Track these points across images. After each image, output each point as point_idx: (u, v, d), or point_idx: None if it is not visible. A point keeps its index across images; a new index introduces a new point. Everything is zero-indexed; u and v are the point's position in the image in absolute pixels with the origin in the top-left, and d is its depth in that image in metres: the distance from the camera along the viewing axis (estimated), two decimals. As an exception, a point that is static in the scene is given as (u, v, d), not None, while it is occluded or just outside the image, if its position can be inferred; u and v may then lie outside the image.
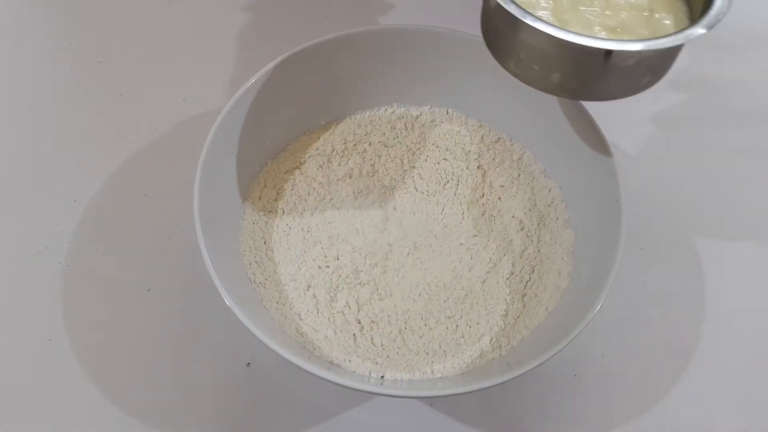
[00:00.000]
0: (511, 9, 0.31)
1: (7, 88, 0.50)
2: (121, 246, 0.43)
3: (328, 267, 0.40)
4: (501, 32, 0.34)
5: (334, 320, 0.39)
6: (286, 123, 0.44)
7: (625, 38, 0.33)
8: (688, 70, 0.52)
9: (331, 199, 0.43)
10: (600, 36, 0.32)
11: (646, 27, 0.33)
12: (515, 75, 0.35)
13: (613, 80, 0.33)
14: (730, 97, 0.51)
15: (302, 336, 0.38)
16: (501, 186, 0.44)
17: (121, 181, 0.46)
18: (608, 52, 0.30)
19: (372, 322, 0.39)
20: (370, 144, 0.45)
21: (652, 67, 0.33)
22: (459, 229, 0.42)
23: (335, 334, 0.38)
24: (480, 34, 0.36)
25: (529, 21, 0.30)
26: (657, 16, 0.34)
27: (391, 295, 0.40)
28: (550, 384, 0.40)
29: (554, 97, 0.41)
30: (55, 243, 0.43)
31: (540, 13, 0.33)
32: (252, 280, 0.39)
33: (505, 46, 0.34)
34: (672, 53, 0.33)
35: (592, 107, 0.40)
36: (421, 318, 0.39)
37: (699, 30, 0.30)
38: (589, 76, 0.32)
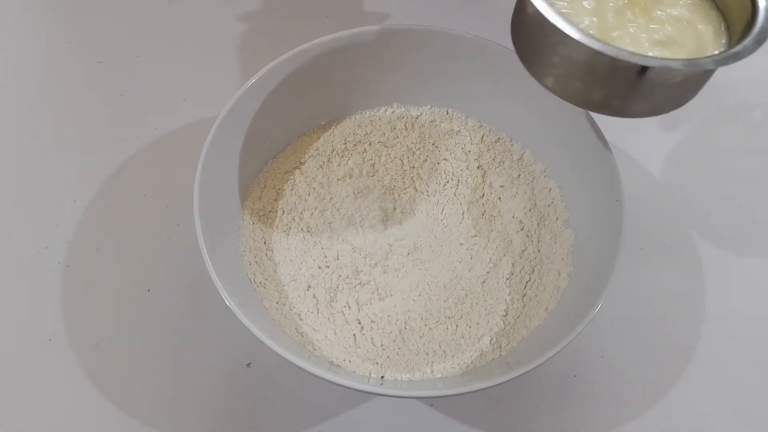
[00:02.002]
0: (560, 25, 0.29)
1: (7, 88, 0.50)
2: (121, 246, 0.43)
3: (328, 267, 0.40)
4: (542, 47, 0.33)
5: (334, 320, 0.39)
6: (286, 123, 0.44)
7: (674, 51, 0.32)
8: (688, 70, 0.52)
9: (331, 199, 0.43)
10: (649, 53, 0.31)
11: (693, 39, 0.32)
12: (553, 91, 0.33)
13: (659, 97, 0.32)
14: (729, 97, 0.51)
15: (302, 336, 0.38)
16: (501, 186, 0.44)
17: (121, 181, 0.46)
18: (665, 70, 0.29)
19: (372, 322, 0.39)
20: (370, 144, 0.45)
21: (696, 83, 0.32)
22: (459, 229, 0.42)
23: (335, 334, 0.38)
24: (478, 33, 0.36)
25: (580, 38, 0.29)
26: (700, 27, 0.33)
27: (391, 295, 0.40)
28: (550, 384, 0.40)
29: (554, 97, 0.41)
30: (55, 243, 0.43)
31: (585, 26, 0.32)
32: (252, 280, 0.39)
33: (545, 62, 0.33)
34: (713, 69, 0.32)
35: (592, 107, 0.40)
36: (421, 318, 0.39)
37: (752, 46, 0.30)
38: (636, 94, 0.31)
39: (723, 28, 0.33)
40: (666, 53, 0.32)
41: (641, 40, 0.32)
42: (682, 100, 0.33)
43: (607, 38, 0.32)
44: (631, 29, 0.32)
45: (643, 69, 0.29)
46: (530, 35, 0.34)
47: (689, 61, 0.29)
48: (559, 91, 0.34)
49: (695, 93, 0.33)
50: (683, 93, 0.33)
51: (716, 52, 0.32)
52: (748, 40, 0.30)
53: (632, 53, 0.29)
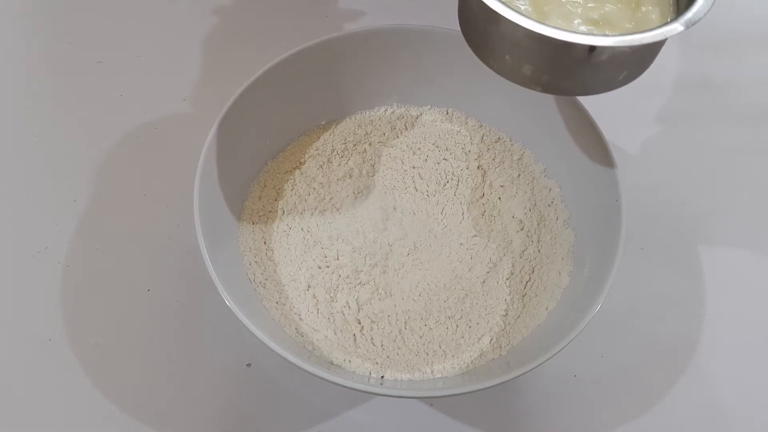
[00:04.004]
0: None
1: (7, 88, 0.50)
2: (121, 246, 0.43)
3: (328, 267, 0.40)
4: (473, 19, 0.33)
5: (334, 320, 0.39)
6: (286, 123, 0.44)
7: (606, 32, 0.31)
8: (688, 70, 0.52)
9: (331, 199, 0.43)
10: (576, 30, 0.31)
11: (632, 20, 0.32)
12: (488, 65, 0.33)
13: (586, 75, 0.31)
14: (730, 97, 0.51)
15: (302, 336, 0.38)
16: (501, 186, 0.44)
17: (121, 181, 0.46)
18: (577, 46, 0.29)
19: (372, 322, 0.39)
20: (370, 144, 0.45)
21: (629, 62, 0.31)
22: (459, 229, 0.42)
23: (335, 334, 0.38)
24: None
25: (495, 7, 0.29)
26: (644, 9, 0.32)
27: (391, 295, 0.40)
28: (550, 384, 0.40)
29: (554, 97, 0.41)
30: (55, 243, 0.43)
31: (519, 3, 0.32)
32: (252, 280, 0.39)
33: (478, 34, 0.33)
34: (651, 49, 0.31)
35: (592, 107, 0.40)
36: (421, 318, 0.39)
37: (677, 27, 0.28)
38: (561, 70, 0.31)
39: (672, 11, 0.32)
40: (596, 32, 0.31)
41: (572, 17, 0.32)
42: (618, 79, 0.32)
43: (538, 14, 0.31)
44: (568, 6, 0.32)
45: (564, 45, 0.29)
46: (463, 8, 0.34)
47: (611, 37, 0.28)
48: (493, 66, 0.33)
49: (634, 74, 0.32)
50: (616, 72, 0.32)
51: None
52: (679, 20, 0.29)
53: (548, 27, 0.28)
